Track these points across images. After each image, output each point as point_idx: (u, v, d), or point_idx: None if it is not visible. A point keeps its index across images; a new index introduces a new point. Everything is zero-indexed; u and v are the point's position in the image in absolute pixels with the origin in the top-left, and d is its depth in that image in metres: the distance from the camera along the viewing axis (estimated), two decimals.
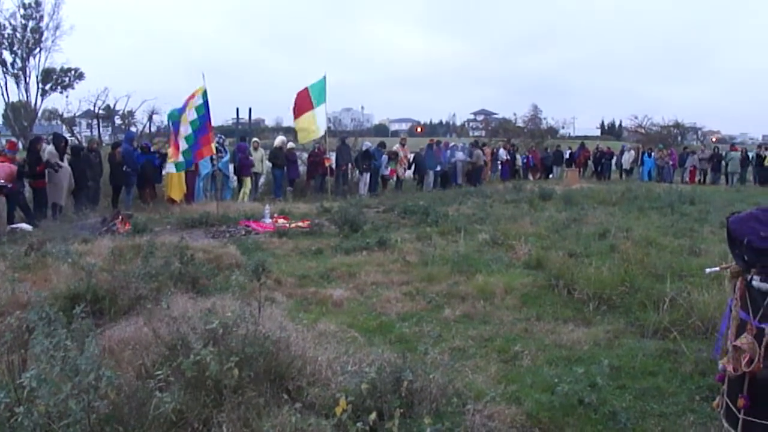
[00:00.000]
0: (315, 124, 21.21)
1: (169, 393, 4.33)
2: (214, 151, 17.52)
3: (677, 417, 5.33)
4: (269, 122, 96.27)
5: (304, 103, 21.15)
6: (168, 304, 5.71)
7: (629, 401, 5.60)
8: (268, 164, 23.30)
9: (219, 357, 4.54)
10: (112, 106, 43.48)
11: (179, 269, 8.46)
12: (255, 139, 23.53)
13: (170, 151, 16.87)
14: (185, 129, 15.72)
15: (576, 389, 5.38)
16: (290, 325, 6.36)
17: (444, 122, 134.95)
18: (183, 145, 15.81)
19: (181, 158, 15.98)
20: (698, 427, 5.16)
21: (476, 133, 74.08)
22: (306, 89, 21.07)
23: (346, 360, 5.66)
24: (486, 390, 5.50)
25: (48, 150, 16.56)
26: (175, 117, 16.16)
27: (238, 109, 28.59)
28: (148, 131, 35.41)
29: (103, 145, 24.67)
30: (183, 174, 19.04)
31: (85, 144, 20.87)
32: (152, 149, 20.77)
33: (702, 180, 33.45)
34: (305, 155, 25.30)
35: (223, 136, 22.83)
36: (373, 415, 4.23)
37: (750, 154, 33.23)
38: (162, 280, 8.00)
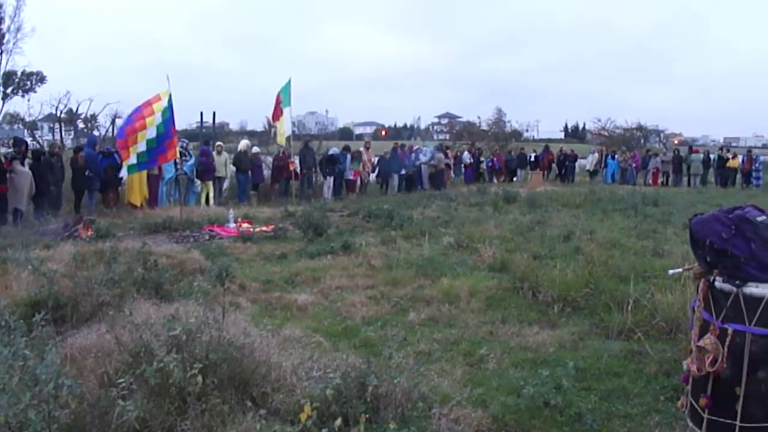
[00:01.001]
0: (283, 127, 21.52)
1: (132, 401, 4.29)
2: (178, 155, 17.37)
3: (642, 417, 5.36)
4: (233, 126, 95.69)
5: (278, 106, 21.61)
6: (131, 311, 5.65)
7: (595, 402, 5.62)
8: (232, 168, 23.18)
9: (182, 364, 4.50)
10: (74, 109, 43.00)
11: (142, 275, 8.37)
12: (219, 143, 23.39)
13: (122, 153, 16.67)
14: (151, 132, 15.49)
15: (542, 391, 5.39)
16: (254, 330, 6.32)
17: (409, 126, 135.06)
18: (141, 147, 15.54)
19: (134, 160, 15.65)
20: (663, 427, 5.19)
21: (441, 137, 74.19)
22: (279, 95, 21.31)
23: (311, 365, 5.64)
24: (451, 393, 5.50)
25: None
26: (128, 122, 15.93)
27: (202, 113, 28.45)
28: (111, 135, 35.00)
29: (65, 149, 24.34)
30: (144, 178, 18.90)
31: (46, 148, 20.59)
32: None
33: (665, 182, 33.82)
34: (269, 159, 25.22)
35: (186, 140, 22.71)
36: (339, 421, 4.20)
37: (712, 156, 33.70)
38: (125, 287, 7.92)
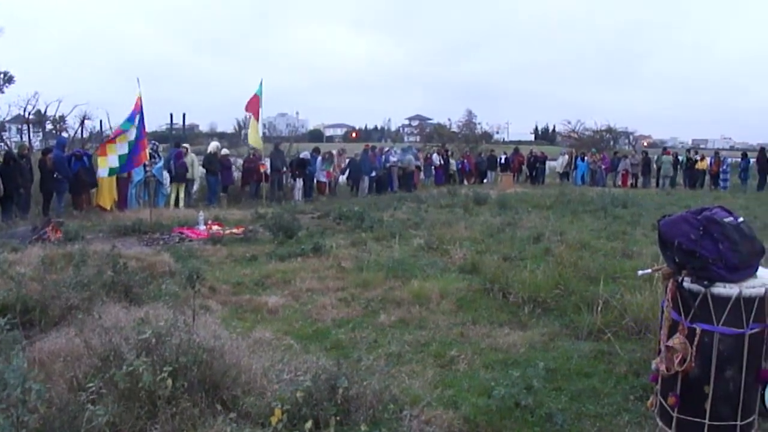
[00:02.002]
0: (257, 129, 21.59)
1: (101, 405, 4.25)
2: (148, 157, 17.26)
3: (612, 417, 5.39)
4: (204, 127, 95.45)
5: (256, 108, 21.53)
6: (100, 314, 5.64)
7: (565, 403, 5.65)
8: (201, 170, 23.06)
9: (152, 367, 4.47)
10: (42, 111, 42.55)
11: (111, 278, 8.29)
12: (185, 144, 23.24)
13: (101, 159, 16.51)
14: (131, 134, 15.40)
15: (512, 392, 5.40)
16: (225, 333, 6.29)
17: (379, 127, 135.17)
18: (122, 149, 15.44)
19: (115, 162, 15.55)
20: (633, 426, 5.23)
21: (411, 139, 74.45)
22: (256, 96, 21.29)
23: (281, 368, 5.63)
24: (422, 395, 5.51)
25: None
26: (127, 126, 15.79)
27: (171, 114, 28.46)
28: (80, 137, 34.68)
29: (34, 151, 24.09)
30: (114, 181, 18.78)
31: (15, 150, 20.37)
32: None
33: (634, 183, 34.09)
34: (240, 161, 25.12)
35: (156, 142, 22.56)
36: (309, 424, 4.20)
37: (680, 158, 33.95)
38: (94, 290, 7.83)
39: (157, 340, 4.82)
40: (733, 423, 4.82)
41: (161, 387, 4.39)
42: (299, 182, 24.84)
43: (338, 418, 4.39)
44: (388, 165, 29.08)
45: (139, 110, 15.41)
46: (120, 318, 6.41)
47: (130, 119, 15.49)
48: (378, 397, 4.87)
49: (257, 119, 21.73)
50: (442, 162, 33.88)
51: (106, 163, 15.63)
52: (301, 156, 25.45)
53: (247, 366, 5.37)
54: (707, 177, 32.64)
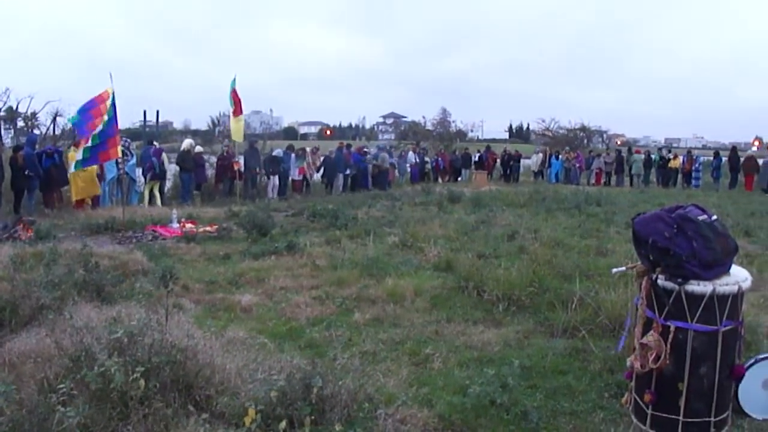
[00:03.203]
0: (238, 125, 21.99)
1: (72, 407, 4.20)
2: (120, 154, 17.06)
3: (587, 414, 5.41)
4: (177, 125, 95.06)
5: (239, 102, 21.71)
6: (71, 314, 5.57)
7: (540, 400, 5.66)
8: (174, 168, 22.92)
9: (124, 368, 4.42)
10: (14, 107, 42.13)
11: (83, 277, 8.21)
12: (154, 142, 23.10)
13: (71, 153, 16.33)
14: (98, 128, 15.18)
15: (487, 390, 5.39)
16: (198, 332, 6.23)
17: (354, 125, 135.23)
18: (87, 142, 15.23)
19: (80, 155, 15.29)
20: (608, 423, 5.24)
21: (386, 136, 74.54)
22: (234, 90, 21.45)
23: (255, 367, 5.58)
24: (397, 394, 5.49)
25: None
26: (75, 119, 15.56)
27: (145, 111, 28.38)
28: (52, 134, 34.37)
29: (5, 148, 23.85)
30: (88, 173, 18.54)
31: None
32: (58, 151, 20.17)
33: (607, 182, 34.31)
34: (213, 159, 25.00)
35: (129, 139, 22.38)
36: (284, 424, 4.17)
37: (653, 157, 34.19)
38: (65, 289, 7.74)
39: (130, 340, 4.78)
40: (707, 419, 4.86)
41: (133, 387, 4.35)
42: (274, 180, 24.74)
43: (313, 417, 4.36)
44: (374, 163, 29.10)
45: (103, 101, 15.15)
46: (92, 318, 6.35)
47: (83, 111, 15.21)
48: (353, 397, 4.85)
49: (239, 115, 21.76)
50: (416, 160, 33.90)
51: (74, 158, 15.48)
52: (274, 153, 25.33)
53: (221, 365, 5.33)
54: (680, 175, 32.90)
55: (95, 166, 17.56)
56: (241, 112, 21.89)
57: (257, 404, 4.32)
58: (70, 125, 26.07)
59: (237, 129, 22.18)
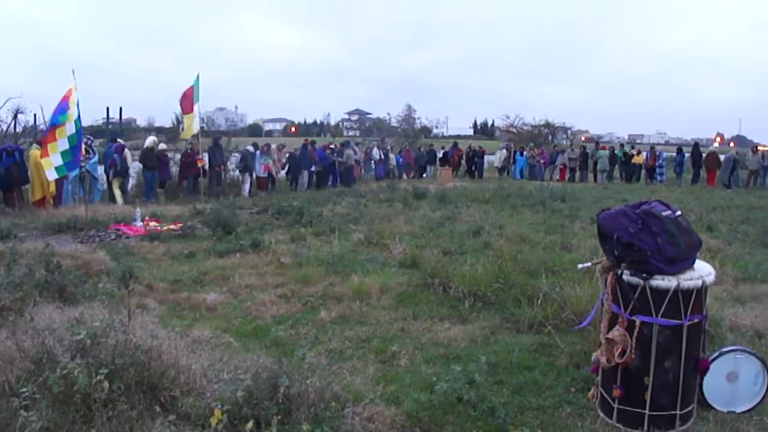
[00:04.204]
0: (192, 123, 21.43)
1: (35, 411, 4.15)
2: (84, 152, 16.87)
3: (554, 409, 5.43)
4: (141, 122, 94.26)
5: (190, 101, 21.41)
6: (33, 316, 5.48)
7: (507, 396, 5.67)
8: (138, 165, 22.73)
9: (87, 370, 4.36)
10: None
11: (45, 277, 8.08)
12: (118, 139, 22.86)
13: (37, 153, 16.00)
14: (70, 128, 14.92)
15: (455, 387, 5.40)
16: (162, 332, 6.18)
17: (318, 122, 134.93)
18: (63, 145, 14.97)
19: (59, 160, 15.05)
20: (575, 418, 5.27)
21: (351, 133, 74.53)
22: (192, 87, 21.13)
23: (221, 367, 5.54)
24: (364, 392, 5.48)
25: None
26: (62, 120, 15.30)
27: (108, 109, 27.93)
28: (13, 131, 33.84)
29: None
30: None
31: None
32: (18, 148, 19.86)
33: (571, 178, 34.47)
34: (178, 156, 24.80)
35: (91, 137, 22.12)
36: (250, 424, 4.14)
37: (617, 153, 34.43)
38: (26, 290, 7.61)
39: (93, 341, 4.71)
40: (673, 412, 4.92)
41: (97, 390, 4.29)
42: (247, 177, 24.74)
43: (280, 417, 4.33)
44: (339, 160, 29.09)
45: (66, 101, 14.93)
46: (54, 319, 6.25)
47: (62, 111, 15.00)
48: (320, 395, 4.82)
49: (189, 113, 21.55)
50: (381, 156, 33.89)
51: (50, 163, 15.13)
52: (247, 149, 25.26)
53: (186, 366, 5.28)
54: (643, 171, 33.19)
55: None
56: (191, 110, 21.67)
57: (223, 404, 4.28)
58: (32, 122, 25.82)
59: (187, 126, 22.17)
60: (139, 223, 15.13)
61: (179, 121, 28.60)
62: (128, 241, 13.37)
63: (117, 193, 20.97)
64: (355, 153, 30.93)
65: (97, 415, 4.29)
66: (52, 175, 15.49)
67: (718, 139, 79.39)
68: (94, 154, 20.68)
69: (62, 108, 14.77)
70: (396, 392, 5.68)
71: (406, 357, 6.64)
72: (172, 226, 14.91)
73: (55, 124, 14.78)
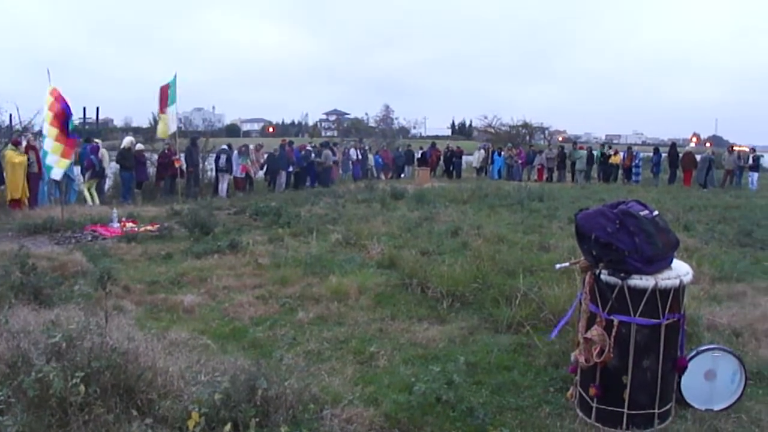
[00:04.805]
0: (168, 123, 21.42)
1: (10, 415, 4.11)
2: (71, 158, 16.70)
3: (533, 409, 5.44)
4: (118, 122, 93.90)
5: (164, 101, 21.50)
6: (7, 318, 5.42)
7: (486, 396, 5.68)
8: (114, 166, 22.58)
9: (63, 373, 4.31)
10: None
11: (20, 279, 8.01)
12: (96, 140, 22.69)
13: (13, 153, 15.86)
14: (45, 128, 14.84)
15: (433, 388, 5.40)
16: (139, 334, 6.14)
17: (296, 122, 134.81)
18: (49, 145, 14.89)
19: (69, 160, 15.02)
20: (554, 417, 5.28)
21: (329, 133, 74.53)
22: (168, 85, 21.15)
23: (198, 369, 5.51)
24: (343, 393, 5.47)
25: None
26: (73, 125, 15.19)
27: (84, 109, 27.69)
28: None
29: None
30: (22, 173, 18.13)
31: None
32: None
33: (549, 178, 34.61)
34: (155, 156, 24.66)
35: None
36: (228, 427, 4.12)
37: (595, 153, 34.61)
38: (1, 292, 7.56)
39: (68, 344, 4.67)
40: (652, 411, 4.94)
41: (73, 393, 4.25)
42: (225, 178, 24.69)
43: (258, 419, 4.31)
44: (317, 161, 29.06)
45: (66, 103, 14.83)
46: (29, 321, 6.19)
47: (70, 113, 14.91)
48: (298, 397, 4.80)
49: (163, 111, 21.49)
50: (359, 157, 33.88)
51: (65, 164, 15.08)
52: (223, 147, 25.18)
53: (163, 368, 5.23)
54: (620, 171, 33.32)
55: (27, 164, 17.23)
56: (163, 110, 21.64)
57: (201, 407, 4.25)
58: (7, 122, 25.68)
59: (161, 126, 22.18)
60: (115, 224, 15.04)
61: (156, 122, 28.51)
62: (105, 242, 13.28)
63: (87, 194, 20.74)
64: (334, 153, 30.91)
65: (73, 419, 4.25)
66: (58, 175, 15.41)
67: (694, 139, 79.94)
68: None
69: (68, 110, 14.73)
70: (374, 393, 5.66)
71: (384, 358, 6.63)
72: (149, 227, 14.83)
73: (70, 129, 14.78)
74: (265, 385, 4.56)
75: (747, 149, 33.51)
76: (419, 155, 37.96)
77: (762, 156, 33.66)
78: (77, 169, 20.87)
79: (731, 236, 14.10)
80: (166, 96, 21.26)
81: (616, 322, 4.81)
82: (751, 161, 30.90)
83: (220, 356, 6.19)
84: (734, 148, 32.96)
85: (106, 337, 5.04)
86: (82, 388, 4.27)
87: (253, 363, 5.07)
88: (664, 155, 33.21)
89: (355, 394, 5.48)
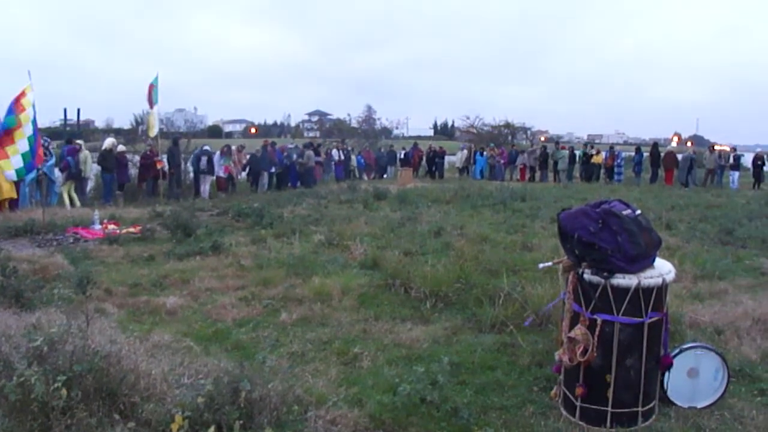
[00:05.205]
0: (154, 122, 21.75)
1: None
2: (44, 155, 16.58)
3: (517, 409, 5.45)
4: (99, 123, 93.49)
5: (150, 99, 21.63)
6: None
7: (470, 396, 5.69)
8: (96, 167, 22.46)
9: (45, 377, 4.28)
10: None
11: (1, 282, 7.97)
12: (78, 141, 22.55)
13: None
14: (27, 129, 14.69)
15: (417, 388, 5.38)
16: (121, 337, 6.11)
17: (279, 123, 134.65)
18: (23, 146, 14.74)
19: (19, 162, 14.82)
20: (538, 416, 5.29)
21: (311, 134, 74.40)
22: (152, 85, 21.28)
23: (181, 372, 5.50)
24: (327, 394, 5.47)
25: None
26: (12, 122, 15.05)
27: (65, 110, 27.51)
28: None
29: None
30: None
31: None
32: None
33: (531, 177, 34.66)
34: (137, 158, 24.54)
35: (48, 139, 21.81)
36: (212, 430, 4.10)
37: (577, 153, 34.70)
38: None
39: (50, 348, 4.63)
40: (635, 409, 4.96)
41: (55, 398, 4.22)
42: (207, 179, 24.68)
43: (242, 422, 4.29)
44: (300, 161, 29.03)
45: (17, 102, 14.69)
46: (10, 325, 6.17)
47: (10, 112, 14.74)
48: (282, 399, 4.79)
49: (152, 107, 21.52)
50: (342, 157, 33.86)
51: (11, 165, 14.91)
52: (205, 148, 25.12)
53: (146, 371, 5.20)
54: (602, 170, 33.40)
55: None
56: (150, 107, 21.71)
57: (184, 410, 4.24)
58: None
59: (150, 124, 22.36)
60: (97, 227, 14.95)
61: (138, 123, 28.32)
62: (86, 244, 13.20)
63: (66, 197, 20.58)
64: (317, 154, 30.87)
65: (55, 424, 4.22)
66: (11, 176, 15.32)
67: (675, 138, 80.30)
68: (51, 156, 20.35)
69: (11, 109, 14.55)
70: (359, 394, 5.66)
71: (368, 358, 6.62)
72: (131, 229, 14.74)
73: (6, 127, 14.55)
74: (249, 387, 4.54)
75: (728, 148, 33.80)
76: (402, 155, 38.03)
77: (743, 155, 33.97)
78: (57, 171, 20.72)
79: (713, 235, 14.18)
80: (150, 97, 21.26)
81: (599, 321, 4.82)
82: (731, 160, 31.18)
83: (203, 358, 6.17)
84: (715, 147, 33.21)
85: (88, 340, 5.01)
86: (64, 392, 4.24)
87: (236, 365, 5.04)
88: (645, 155, 33.39)
89: (339, 396, 5.48)
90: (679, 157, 31.51)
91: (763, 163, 31.01)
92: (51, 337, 4.71)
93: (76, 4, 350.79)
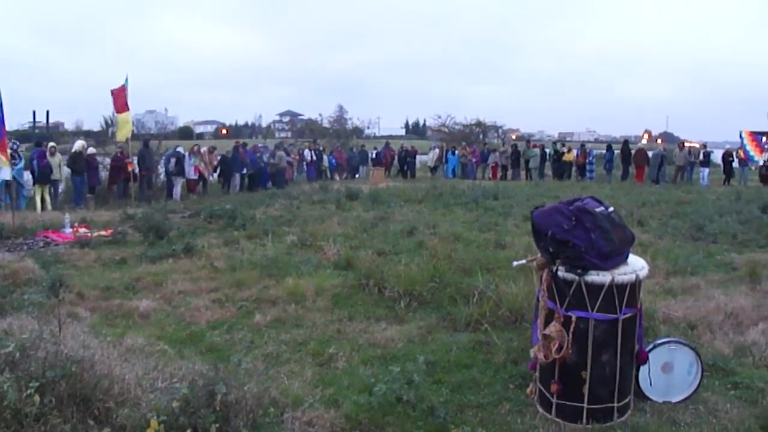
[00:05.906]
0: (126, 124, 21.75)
1: None
2: (9, 157, 16.42)
3: (494, 406, 5.47)
4: (69, 126, 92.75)
5: (124, 99, 21.52)
6: None
7: (446, 395, 5.69)
8: (66, 170, 22.27)
9: (17, 383, 4.23)
10: None
11: None
12: (51, 144, 22.31)
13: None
14: None
15: (393, 388, 5.39)
16: (94, 342, 6.04)
17: (250, 124, 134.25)
18: None
19: None
20: (514, 414, 5.32)
21: (282, 135, 74.23)
22: (124, 86, 21.09)
23: (156, 375, 5.45)
24: (303, 395, 5.47)
25: None
26: None
27: (34, 112, 27.28)
28: None
29: None
30: None
31: None
32: None
33: (503, 176, 34.74)
34: (107, 160, 24.36)
35: (17, 142, 21.61)
36: None
37: (548, 151, 34.82)
38: None
39: (22, 354, 4.58)
40: (611, 405, 5.00)
41: (28, 404, 4.17)
42: (178, 180, 24.54)
43: (218, 425, 4.26)
44: (271, 162, 28.93)
45: None
46: None
47: None
48: (258, 401, 4.76)
49: (125, 111, 21.37)
50: (314, 158, 33.81)
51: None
52: (178, 149, 24.99)
53: (120, 375, 5.15)
54: (574, 168, 33.58)
55: None
56: (126, 108, 21.55)
57: (159, 415, 4.20)
58: None
59: (121, 126, 22.26)
60: (68, 230, 14.84)
61: (108, 125, 28.12)
62: (57, 248, 13.09)
63: (38, 200, 20.39)
64: (288, 155, 30.80)
65: (28, 431, 4.18)
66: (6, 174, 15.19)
67: (646, 136, 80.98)
68: (20, 159, 20.15)
69: None
70: (335, 395, 5.66)
71: (343, 359, 6.62)
72: (102, 232, 14.65)
73: None
74: (224, 390, 4.51)
75: (698, 145, 34.04)
76: (373, 155, 38.03)
77: (712, 152, 34.26)
78: (27, 174, 20.53)
79: (684, 231, 14.31)
80: (123, 97, 21.08)
81: (574, 318, 4.85)
82: (701, 157, 31.46)
83: (177, 362, 6.13)
84: (685, 144, 33.41)
85: (61, 345, 4.96)
86: (37, 398, 4.19)
87: (211, 368, 5.00)
88: (616, 152, 33.64)
89: (315, 397, 5.48)
90: (650, 154, 31.79)
91: (733, 160, 31.31)
92: (23, 342, 4.66)
93: (41, 4, 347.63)
